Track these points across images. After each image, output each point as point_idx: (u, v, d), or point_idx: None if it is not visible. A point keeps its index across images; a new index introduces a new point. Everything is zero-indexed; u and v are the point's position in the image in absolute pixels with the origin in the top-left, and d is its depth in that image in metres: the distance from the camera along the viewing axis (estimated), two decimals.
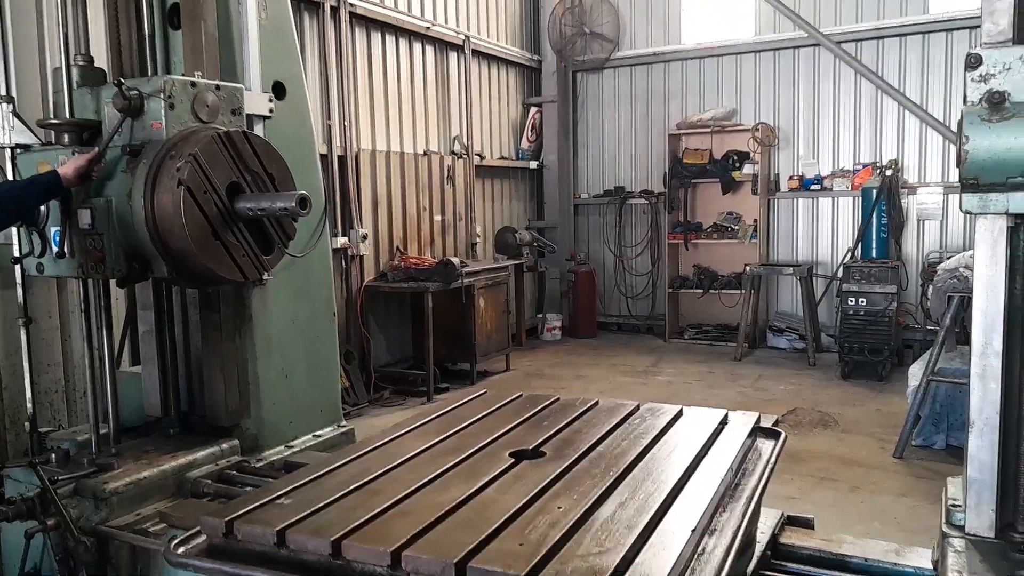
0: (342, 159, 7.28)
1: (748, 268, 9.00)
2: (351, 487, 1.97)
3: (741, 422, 2.42)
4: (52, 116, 3.17)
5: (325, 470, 2.12)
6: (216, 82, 3.13)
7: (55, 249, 2.98)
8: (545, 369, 8.67)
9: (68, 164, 2.78)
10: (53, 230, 2.98)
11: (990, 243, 2.03)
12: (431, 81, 8.79)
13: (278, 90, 3.59)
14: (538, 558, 1.52)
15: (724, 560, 1.66)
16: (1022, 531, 2.05)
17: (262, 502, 1.89)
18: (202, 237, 2.87)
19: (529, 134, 10.77)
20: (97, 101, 3.08)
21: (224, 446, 3.36)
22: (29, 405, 3.20)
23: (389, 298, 7.87)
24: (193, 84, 3.01)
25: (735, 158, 9.55)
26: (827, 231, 9.44)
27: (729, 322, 9.67)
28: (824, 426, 6.12)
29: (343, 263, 7.29)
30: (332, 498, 1.89)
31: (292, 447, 3.64)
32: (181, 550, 1.80)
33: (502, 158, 10.29)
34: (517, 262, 9.49)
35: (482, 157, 9.69)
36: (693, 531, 1.67)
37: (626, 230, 10.83)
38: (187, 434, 3.48)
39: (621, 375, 8.20)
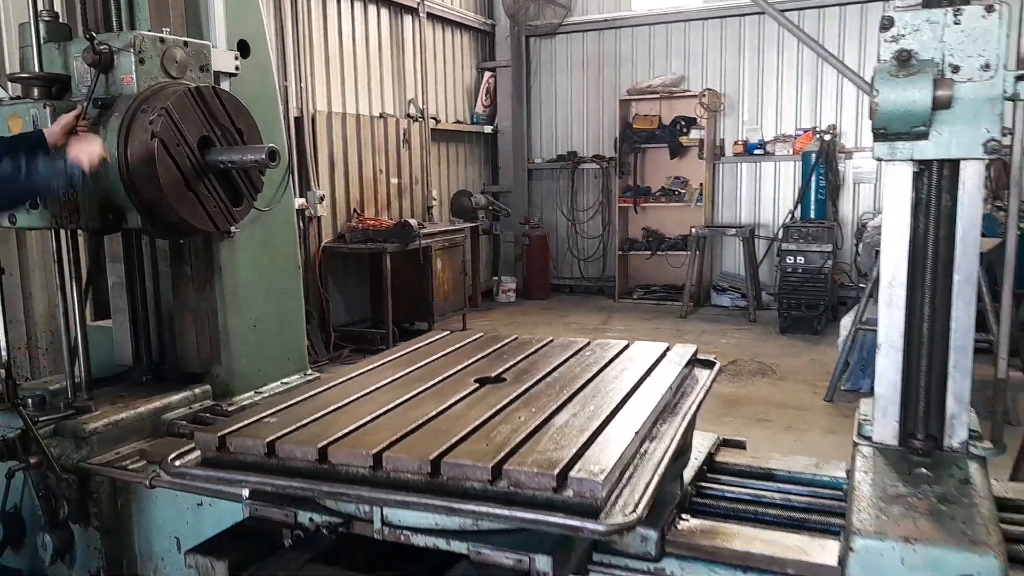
0: (299, 120, 7.33)
1: (693, 230, 9.34)
2: (330, 408, 2.17)
3: (680, 352, 2.68)
4: (20, 70, 3.23)
5: (305, 396, 2.31)
6: (184, 38, 3.23)
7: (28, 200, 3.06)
8: (500, 328, 8.92)
9: (56, 124, 2.82)
10: None
11: (897, 187, 2.31)
12: (386, 44, 8.83)
13: (243, 48, 3.68)
14: (503, 454, 1.75)
15: (662, 459, 1.92)
16: (921, 439, 2.36)
17: (249, 421, 2.08)
18: (176, 188, 2.99)
19: (484, 99, 10.88)
20: (65, 56, 3.15)
21: (197, 391, 3.52)
22: (3, 352, 3.29)
23: (347, 259, 7.99)
24: (162, 40, 3.11)
25: (683, 124, 9.84)
26: (769, 194, 9.82)
27: (676, 282, 10.03)
28: (762, 375, 6.51)
29: (301, 224, 7.38)
30: (314, 417, 2.09)
31: (261, 393, 3.80)
32: (178, 463, 1.98)
33: (457, 122, 10.40)
34: (473, 225, 9.66)
35: (437, 121, 9.79)
36: (636, 433, 1.92)
37: (578, 194, 11.08)
38: (159, 382, 3.62)
39: (573, 332, 8.49)
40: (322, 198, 7.57)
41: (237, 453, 1.95)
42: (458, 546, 1.78)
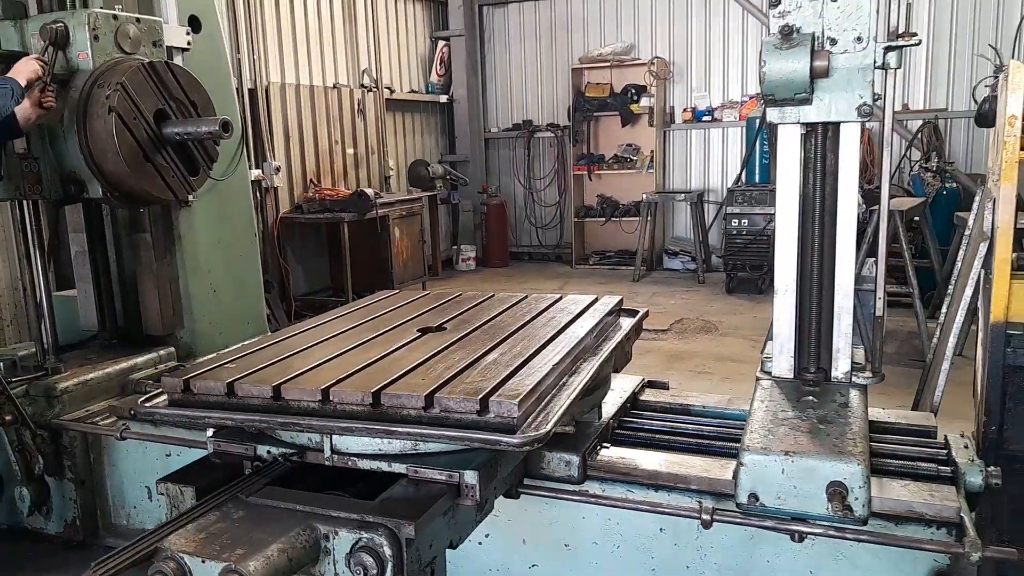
0: (252, 92, 7.41)
1: (645, 196, 9.64)
2: (285, 355, 2.41)
3: (605, 302, 2.96)
4: None
5: (262, 345, 2.55)
6: (136, 15, 3.38)
7: None
8: None
9: (26, 100, 2.94)
10: None
11: (788, 147, 2.59)
12: (338, 14, 8.89)
13: (194, 24, 3.83)
14: (435, 385, 2.02)
15: (577, 387, 2.20)
16: (812, 371, 2.68)
17: (211, 367, 2.31)
18: (134, 160, 3.17)
19: (438, 68, 10.99)
20: (21, 33, 3.28)
21: (162, 352, 3.73)
22: None
23: (305, 229, 8.13)
24: (115, 17, 3.26)
25: (633, 91, 10.08)
26: (717, 160, 10.15)
27: (630, 248, 10.34)
28: (706, 332, 6.87)
29: (258, 195, 7.49)
30: (270, 362, 2.33)
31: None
32: (148, 405, 2.21)
33: (412, 92, 10.51)
34: (431, 194, 9.83)
35: (392, 91, 9.89)
36: (554, 367, 2.19)
37: (535, 163, 11.29)
38: (125, 346, 3.81)
39: None
40: (278, 169, 7.69)
41: (200, 394, 2.19)
42: (398, 468, 2.04)
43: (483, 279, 10.26)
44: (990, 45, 6.72)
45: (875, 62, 2.39)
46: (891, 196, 7.31)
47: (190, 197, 3.64)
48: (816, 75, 2.37)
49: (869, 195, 7.82)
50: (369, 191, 7.96)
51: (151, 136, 3.23)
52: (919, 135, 8.11)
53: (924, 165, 7.29)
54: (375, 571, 1.78)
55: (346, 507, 1.89)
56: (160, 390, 2.27)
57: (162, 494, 2.10)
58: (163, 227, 3.77)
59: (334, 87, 8.74)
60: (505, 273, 10.64)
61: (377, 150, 9.45)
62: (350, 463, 2.09)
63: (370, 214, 7.82)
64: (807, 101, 2.45)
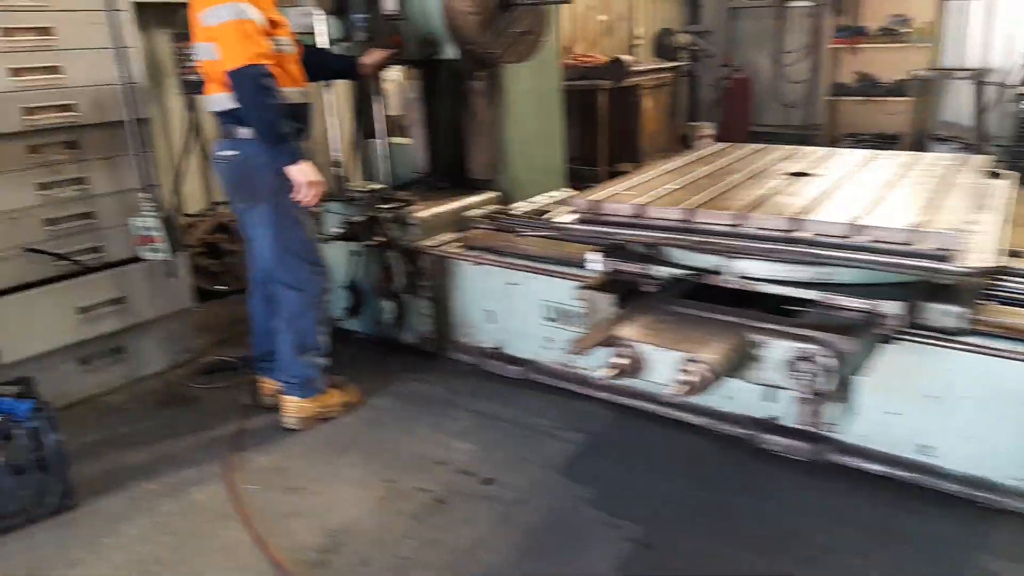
0: None
1: (914, 74, 8.75)
2: (670, 187, 2.52)
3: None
4: None
5: (641, 180, 2.68)
6: None
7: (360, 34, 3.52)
8: None
9: (370, 56, 3.39)
10: (359, 16, 3.50)
11: None
12: None
13: None
14: (856, 215, 2.05)
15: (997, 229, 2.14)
16: None
17: (612, 192, 2.48)
18: (486, 28, 3.36)
19: None
20: None
21: (487, 195, 4.02)
22: (332, 152, 3.91)
23: None
24: None
25: None
26: (1004, 33, 8.91)
27: (889, 131, 9.53)
28: None
29: None
30: (666, 192, 2.45)
31: (535, 203, 4.24)
32: (559, 221, 2.43)
33: None
34: (675, 65, 9.54)
35: None
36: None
37: (785, 35, 10.53)
38: (448, 187, 4.13)
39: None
40: None
41: (607, 215, 2.37)
42: (808, 294, 2.10)
43: None
44: None
45: None
46: None
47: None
48: None
49: None
50: (626, 58, 7.86)
51: (500, 6, 3.40)
52: None
53: None
54: (811, 378, 1.89)
55: (776, 322, 2.01)
56: (564, 209, 2.49)
57: (582, 299, 2.33)
58: (490, 79, 3.98)
59: None
60: None
61: (628, 17, 9.24)
62: (753, 286, 2.19)
63: (624, 82, 7.75)
64: None
